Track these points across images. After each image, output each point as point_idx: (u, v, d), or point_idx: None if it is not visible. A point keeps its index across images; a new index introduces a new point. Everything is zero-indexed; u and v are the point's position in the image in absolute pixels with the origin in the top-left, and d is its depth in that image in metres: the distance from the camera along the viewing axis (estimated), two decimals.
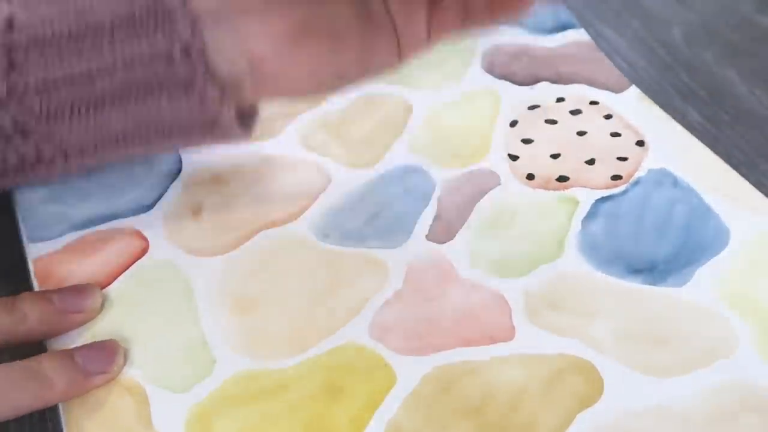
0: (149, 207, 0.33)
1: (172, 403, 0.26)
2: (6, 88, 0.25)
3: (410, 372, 0.27)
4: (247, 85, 0.27)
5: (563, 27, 0.39)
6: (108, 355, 0.27)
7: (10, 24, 0.25)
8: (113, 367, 0.27)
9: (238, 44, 0.26)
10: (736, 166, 0.35)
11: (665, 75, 0.41)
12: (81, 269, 0.30)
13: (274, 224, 0.32)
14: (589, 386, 0.26)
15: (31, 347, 0.27)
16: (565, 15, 0.39)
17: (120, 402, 0.26)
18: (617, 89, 0.37)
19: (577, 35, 0.39)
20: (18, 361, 0.25)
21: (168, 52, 0.25)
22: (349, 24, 0.27)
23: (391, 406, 0.26)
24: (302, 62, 0.27)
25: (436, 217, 0.32)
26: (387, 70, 0.29)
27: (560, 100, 0.37)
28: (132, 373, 0.27)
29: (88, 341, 0.28)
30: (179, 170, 0.35)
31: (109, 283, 0.30)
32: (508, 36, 0.39)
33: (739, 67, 0.41)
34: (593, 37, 0.44)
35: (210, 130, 0.27)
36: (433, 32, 0.28)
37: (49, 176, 0.28)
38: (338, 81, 0.29)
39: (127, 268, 0.31)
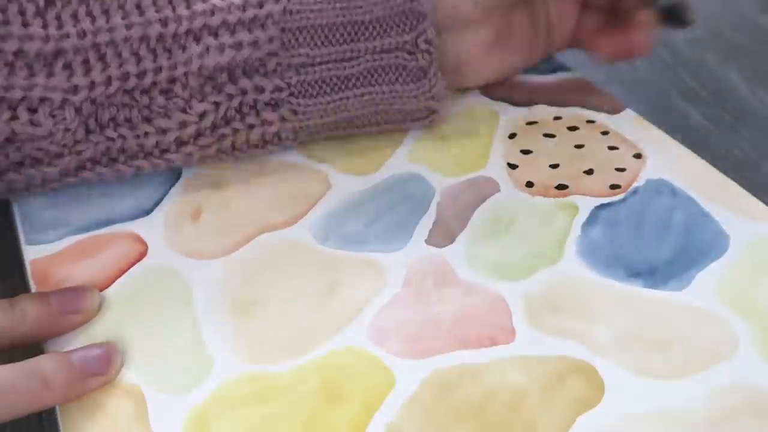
0: (148, 211, 0.33)
1: (170, 406, 0.26)
2: (275, 62, 0.32)
3: (409, 375, 0.27)
4: (447, 78, 0.35)
5: (556, 69, 0.40)
6: (105, 357, 0.27)
7: (285, 9, 0.31)
8: (111, 370, 0.27)
9: (453, 49, 0.35)
10: (737, 168, 0.35)
11: (667, 75, 0.42)
12: (79, 272, 0.30)
13: (273, 228, 0.32)
14: (589, 389, 0.26)
15: (28, 349, 0.28)
16: (556, 61, 0.40)
17: (117, 404, 0.26)
18: (613, 111, 0.37)
19: (571, 74, 0.39)
20: (16, 363, 0.26)
21: (414, 44, 0.33)
22: (523, 33, 0.37)
23: (390, 409, 0.26)
24: (492, 65, 0.37)
25: (436, 222, 0.32)
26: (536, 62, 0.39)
27: (557, 118, 0.37)
28: (130, 375, 0.27)
29: (86, 343, 0.28)
30: (179, 174, 0.35)
31: (107, 286, 0.30)
32: None
33: (741, 67, 0.41)
34: None
35: (425, 113, 0.35)
36: (572, 41, 0.38)
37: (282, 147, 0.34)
38: (507, 75, 0.38)
39: (126, 271, 0.31)
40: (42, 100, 0.29)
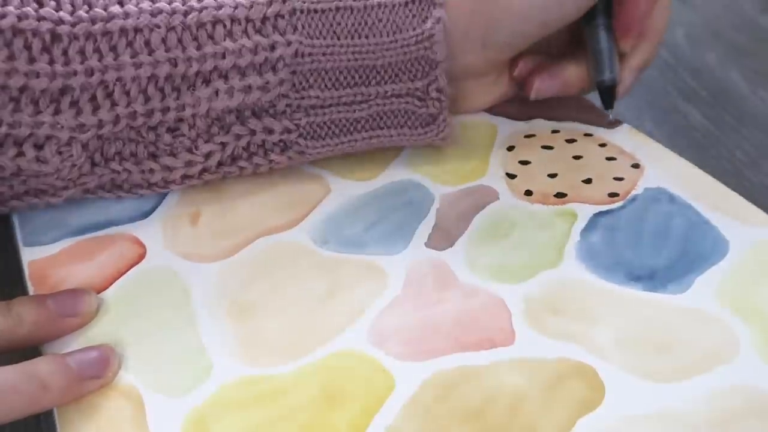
0: (147, 213, 0.33)
1: (169, 409, 0.26)
2: (285, 104, 0.32)
3: (409, 377, 0.27)
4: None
5: None
6: (103, 360, 0.27)
7: (297, 53, 0.31)
8: (108, 373, 0.27)
9: (454, 89, 0.35)
10: (740, 168, 0.35)
11: (667, 76, 0.42)
12: (76, 274, 0.31)
13: (272, 231, 0.33)
14: (590, 391, 0.27)
15: (25, 351, 0.28)
16: None
17: (115, 407, 0.27)
18: (610, 126, 0.38)
19: None
20: (13, 365, 0.26)
21: (425, 91, 0.33)
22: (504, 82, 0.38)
23: (390, 411, 0.26)
24: (485, 100, 0.38)
25: (435, 226, 0.33)
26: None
27: (555, 131, 0.38)
28: (128, 377, 0.27)
29: (83, 346, 0.28)
30: None
31: (105, 289, 0.30)
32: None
33: (742, 68, 0.42)
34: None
35: (429, 146, 0.35)
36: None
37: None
38: (495, 103, 0.39)
39: (124, 273, 0.31)
40: (48, 137, 0.29)
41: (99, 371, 0.27)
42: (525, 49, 0.36)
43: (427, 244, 0.32)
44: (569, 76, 0.37)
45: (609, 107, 0.36)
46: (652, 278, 0.30)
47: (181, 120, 0.31)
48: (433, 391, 0.27)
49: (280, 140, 0.33)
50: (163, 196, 0.34)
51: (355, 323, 0.29)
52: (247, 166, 0.33)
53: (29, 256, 0.31)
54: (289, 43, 0.31)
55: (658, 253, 0.31)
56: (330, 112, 0.33)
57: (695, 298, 0.29)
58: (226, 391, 0.27)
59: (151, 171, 0.32)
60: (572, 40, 0.36)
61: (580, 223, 0.33)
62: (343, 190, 0.34)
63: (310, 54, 0.31)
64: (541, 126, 0.38)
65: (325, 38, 0.31)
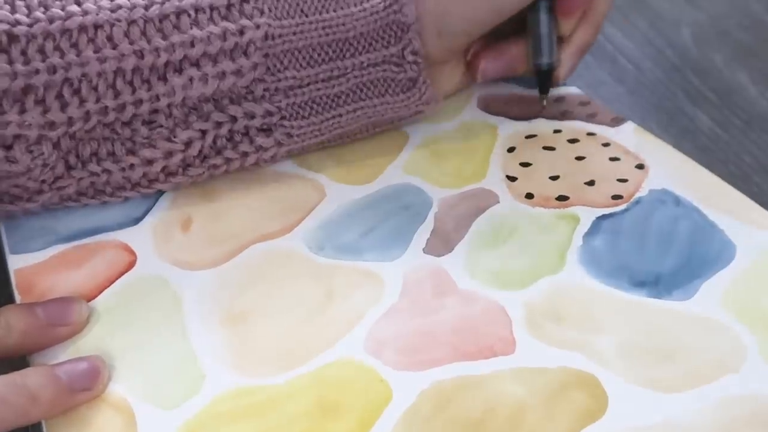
0: (137, 220, 0.34)
1: (160, 421, 0.27)
2: (262, 88, 0.32)
3: (407, 387, 0.27)
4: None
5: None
6: (93, 371, 0.28)
7: (267, 35, 0.32)
8: (98, 384, 0.28)
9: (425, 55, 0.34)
10: (747, 172, 0.36)
11: (673, 77, 0.42)
12: (65, 282, 0.31)
13: (265, 238, 0.33)
14: (592, 401, 0.27)
15: (14, 361, 0.28)
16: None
17: (106, 419, 0.27)
18: (613, 124, 0.38)
19: (570, 89, 0.40)
20: (1, 376, 0.26)
21: (400, 56, 0.34)
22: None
23: (387, 422, 0.26)
24: (442, 92, 0.37)
25: (434, 231, 0.33)
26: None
27: (557, 131, 0.38)
28: (118, 389, 0.28)
29: (73, 356, 0.28)
30: None
31: (94, 297, 0.31)
32: (502, 89, 0.40)
33: (750, 69, 0.42)
34: (598, 38, 0.45)
35: (414, 116, 0.36)
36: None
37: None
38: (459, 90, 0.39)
39: (114, 281, 0.31)
40: (17, 137, 0.30)
41: (89, 383, 0.27)
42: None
43: (425, 250, 0.32)
44: (514, 56, 0.37)
45: (544, 92, 0.38)
46: (656, 284, 0.31)
47: (156, 111, 0.32)
48: (432, 402, 0.27)
49: (263, 124, 0.33)
50: (154, 201, 0.34)
51: (351, 332, 0.29)
52: (233, 157, 0.34)
53: (16, 263, 0.32)
54: (257, 26, 0.32)
55: (662, 257, 0.32)
56: (309, 91, 0.33)
57: (701, 305, 0.30)
58: (218, 403, 0.27)
59: (132, 167, 0.33)
60: (520, 21, 0.37)
61: (583, 227, 0.33)
62: (339, 194, 0.35)
63: (280, 35, 0.32)
64: (542, 126, 0.38)
65: (293, 17, 0.32)
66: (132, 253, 0.32)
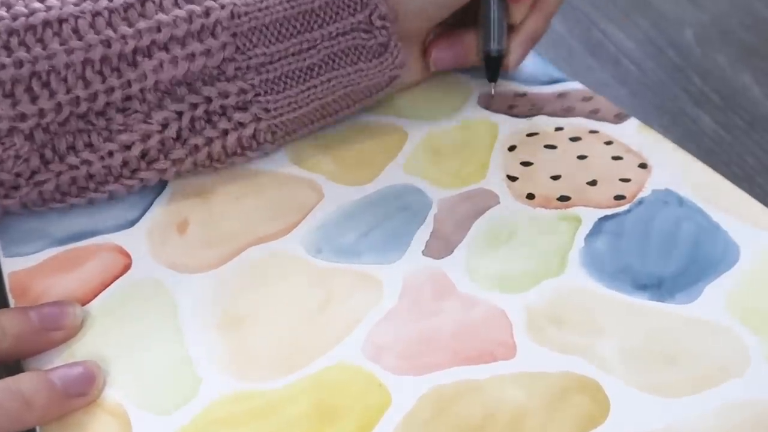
0: (133, 222, 0.34)
1: (156, 427, 0.27)
2: (234, 67, 0.33)
3: (406, 392, 0.27)
4: None
5: (557, 80, 0.41)
6: (88, 376, 0.28)
7: (233, 14, 0.32)
8: (93, 390, 0.28)
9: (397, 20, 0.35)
10: (751, 174, 0.36)
11: (676, 78, 0.42)
12: (59, 285, 0.31)
13: (263, 240, 0.33)
14: (594, 406, 0.27)
15: (8, 366, 0.28)
16: (556, 72, 0.41)
17: (101, 425, 0.27)
18: (616, 121, 0.38)
19: (573, 85, 0.40)
20: None
21: (368, 22, 0.34)
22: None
23: (386, 428, 0.27)
24: (407, 81, 0.38)
25: (433, 234, 0.33)
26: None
27: (559, 129, 0.38)
28: (113, 394, 0.28)
29: (67, 361, 0.28)
30: (164, 184, 0.35)
31: (89, 301, 0.31)
32: (503, 85, 0.41)
33: (754, 69, 0.42)
34: (600, 39, 0.45)
35: (390, 83, 0.37)
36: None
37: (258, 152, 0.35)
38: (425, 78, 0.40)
39: (109, 285, 0.31)
40: None
41: (84, 388, 0.27)
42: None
43: (425, 253, 0.32)
44: (465, 46, 0.38)
45: (492, 80, 0.38)
46: (659, 287, 0.31)
47: (129, 98, 0.32)
48: (431, 407, 0.27)
49: (238, 102, 0.34)
50: (149, 203, 0.34)
51: (349, 336, 0.29)
52: (213, 135, 0.34)
53: (10, 267, 0.32)
54: (222, 6, 0.32)
55: (665, 260, 0.32)
56: (281, 66, 0.34)
57: (704, 308, 0.30)
58: (215, 408, 0.27)
59: (111, 154, 0.33)
60: (471, 9, 0.37)
61: (585, 229, 0.33)
62: (337, 195, 0.35)
63: (246, 13, 0.33)
64: (544, 123, 0.38)
65: None
66: (127, 256, 0.32)
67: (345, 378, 0.28)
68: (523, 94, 0.40)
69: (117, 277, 0.32)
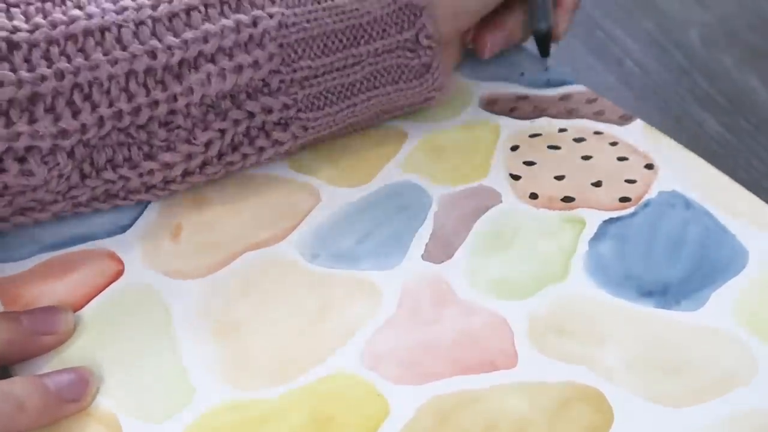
0: (125, 228, 0.34)
1: None
2: (278, 80, 0.33)
3: (405, 402, 0.27)
4: None
5: (561, 83, 0.41)
6: (81, 382, 0.28)
7: (281, 24, 0.32)
8: (86, 396, 0.28)
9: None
10: (757, 178, 0.36)
11: (681, 80, 0.42)
12: (50, 292, 0.31)
13: (258, 246, 0.33)
14: (598, 417, 0.27)
15: None
16: (561, 73, 0.41)
17: None
18: (622, 122, 0.38)
19: (576, 87, 0.40)
20: None
21: (414, 41, 0.34)
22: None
23: None
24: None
25: (432, 236, 0.33)
26: None
27: (563, 130, 0.38)
28: (105, 402, 0.28)
29: (57, 367, 0.28)
30: None
31: (80, 307, 0.31)
32: (505, 88, 0.41)
33: (760, 71, 0.42)
34: (603, 39, 0.45)
35: (424, 103, 0.37)
36: None
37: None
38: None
39: (101, 291, 0.31)
40: (29, 148, 0.30)
41: (77, 393, 0.27)
42: None
43: (424, 257, 0.32)
44: (511, 27, 0.40)
45: (546, 55, 0.41)
46: (664, 294, 0.31)
47: (173, 112, 0.32)
48: (431, 417, 0.27)
49: (280, 118, 0.33)
50: (143, 208, 0.34)
51: (347, 344, 0.29)
52: (250, 152, 0.34)
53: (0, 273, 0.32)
54: (271, 16, 0.32)
55: (671, 265, 0.32)
56: (325, 81, 0.34)
57: (710, 316, 0.30)
58: (209, 417, 0.27)
59: (151, 173, 0.33)
60: None
61: (589, 232, 0.33)
62: (334, 198, 0.35)
63: (294, 24, 0.32)
64: (547, 125, 0.38)
65: (305, 5, 0.33)
66: (119, 262, 0.32)
67: (342, 387, 0.28)
68: (525, 97, 0.40)
69: (109, 284, 0.32)
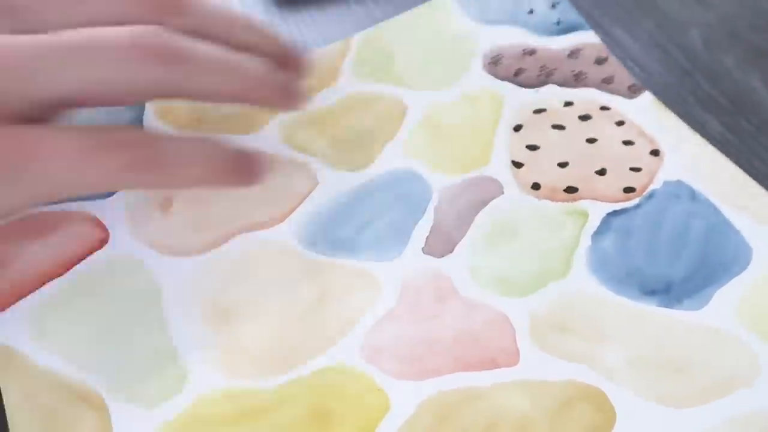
0: (110, 193, 0.32)
1: (138, 420, 0.26)
2: None
3: (405, 398, 0.27)
4: None
5: (571, 28, 0.40)
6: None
7: None
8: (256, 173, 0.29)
9: None
10: (759, 180, 0.36)
11: (683, 81, 0.42)
12: (25, 252, 0.30)
13: (253, 227, 0.32)
14: (600, 416, 0.27)
15: None
16: (573, 16, 0.40)
17: (77, 416, 0.26)
18: (630, 94, 0.38)
19: (586, 37, 0.39)
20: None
21: None
22: None
23: None
24: None
25: (433, 228, 0.32)
26: None
27: (568, 104, 0.37)
28: (91, 383, 0.27)
29: (38, 339, 0.28)
30: None
31: (60, 274, 0.29)
32: (511, 37, 0.40)
33: (762, 71, 0.42)
34: (603, 39, 0.45)
35: None
36: None
37: None
38: None
39: (82, 259, 0.30)
40: None
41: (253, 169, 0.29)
42: None
43: (425, 250, 0.32)
44: None
45: None
46: (667, 292, 0.30)
47: None
48: (433, 414, 0.27)
49: None
50: None
51: (346, 336, 0.29)
52: None
53: None
54: None
55: (675, 261, 0.31)
56: None
57: (714, 315, 0.30)
58: (202, 405, 0.27)
59: None
60: None
61: (592, 225, 0.33)
62: (332, 182, 0.34)
63: None
64: (553, 95, 0.37)
65: None
66: (104, 229, 0.31)
67: (341, 380, 0.27)
68: (532, 52, 0.39)
69: (92, 251, 0.30)
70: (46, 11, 0.25)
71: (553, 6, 0.40)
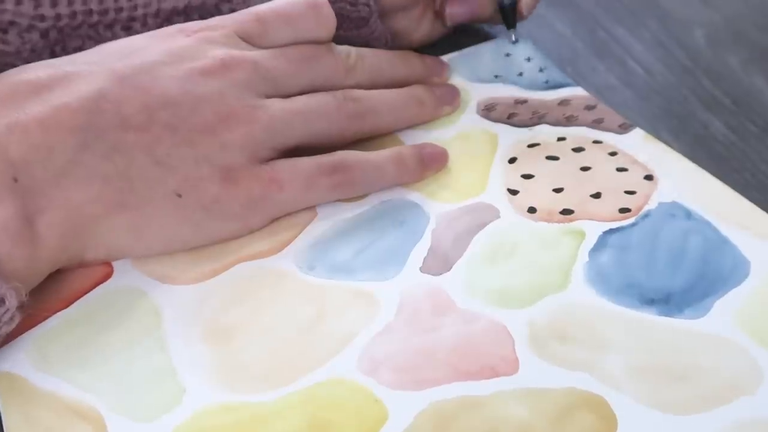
0: None
1: None
2: (228, 9, 0.40)
3: (403, 408, 0.28)
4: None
5: (559, 85, 0.41)
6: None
7: None
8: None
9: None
10: (763, 182, 0.36)
11: (686, 81, 0.43)
12: (34, 290, 0.31)
13: (253, 257, 0.33)
14: (601, 424, 0.27)
15: None
16: (559, 76, 0.42)
17: (74, 430, 0.27)
18: (621, 131, 0.38)
19: (575, 91, 0.41)
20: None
21: None
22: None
23: None
24: (413, 39, 0.44)
25: (431, 250, 0.33)
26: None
27: (561, 139, 0.38)
28: (89, 398, 0.28)
29: (38, 364, 0.29)
30: None
31: (65, 307, 0.31)
32: (503, 91, 0.41)
33: (767, 72, 0.42)
34: (605, 39, 0.45)
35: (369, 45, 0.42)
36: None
37: None
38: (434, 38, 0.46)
39: (88, 291, 0.32)
40: (11, 23, 0.36)
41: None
42: None
43: (422, 269, 0.33)
44: (480, 1, 0.43)
45: (511, 26, 0.44)
46: (667, 302, 0.31)
47: (133, 19, 0.38)
48: (430, 424, 0.27)
49: None
50: None
51: (344, 350, 0.30)
52: None
53: None
54: None
55: (673, 274, 0.32)
56: None
57: (714, 324, 0.30)
58: (200, 418, 0.27)
59: None
60: None
61: (589, 243, 0.33)
62: (331, 213, 0.35)
63: None
64: (546, 133, 0.39)
65: None
66: (108, 264, 0.33)
67: (339, 392, 0.28)
68: (524, 101, 0.40)
69: (97, 285, 0.32)
70: (286, 77, 0.36)
71: (541, 70, 0.42)
